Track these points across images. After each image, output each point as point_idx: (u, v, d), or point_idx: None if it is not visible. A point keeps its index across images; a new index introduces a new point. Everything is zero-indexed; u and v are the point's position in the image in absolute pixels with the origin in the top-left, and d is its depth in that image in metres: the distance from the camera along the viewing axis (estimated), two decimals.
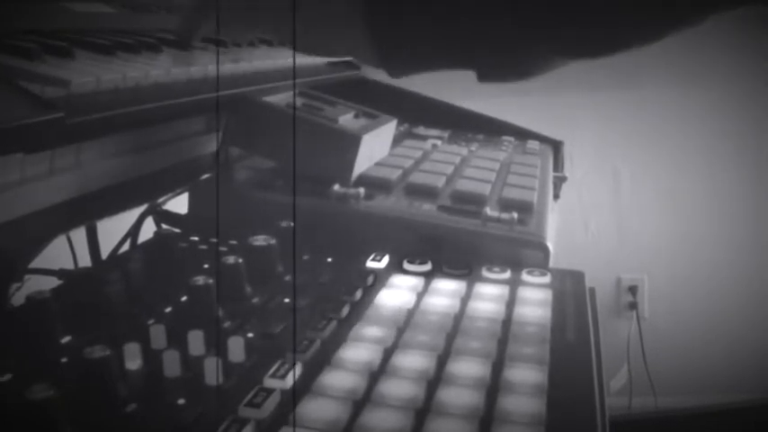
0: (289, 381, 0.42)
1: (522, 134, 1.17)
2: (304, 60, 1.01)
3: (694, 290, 2.24)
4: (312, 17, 0.57)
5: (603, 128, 2.20)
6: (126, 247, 0.75)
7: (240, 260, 0.54)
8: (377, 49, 0.54)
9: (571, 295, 0.60)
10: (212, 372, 0.42)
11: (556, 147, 1.17)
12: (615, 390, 2.16)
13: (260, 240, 0.58)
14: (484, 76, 0.57)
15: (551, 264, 0.66)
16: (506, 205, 0.73)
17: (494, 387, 0.44)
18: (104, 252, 0.75)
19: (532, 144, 1.11)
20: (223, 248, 0.62)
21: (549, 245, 0.66)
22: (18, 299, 0.54)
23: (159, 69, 0.62)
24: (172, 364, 0.42)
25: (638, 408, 2.16)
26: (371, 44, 0.54)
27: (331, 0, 0.56)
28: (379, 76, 1.22)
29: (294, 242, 0.59)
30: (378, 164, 0.82)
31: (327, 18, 0.57)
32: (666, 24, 0.49)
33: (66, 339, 0.45)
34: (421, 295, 0.57)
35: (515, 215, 0.68)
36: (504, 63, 0.55)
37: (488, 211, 0.69)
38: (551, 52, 0.53)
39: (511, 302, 0.57)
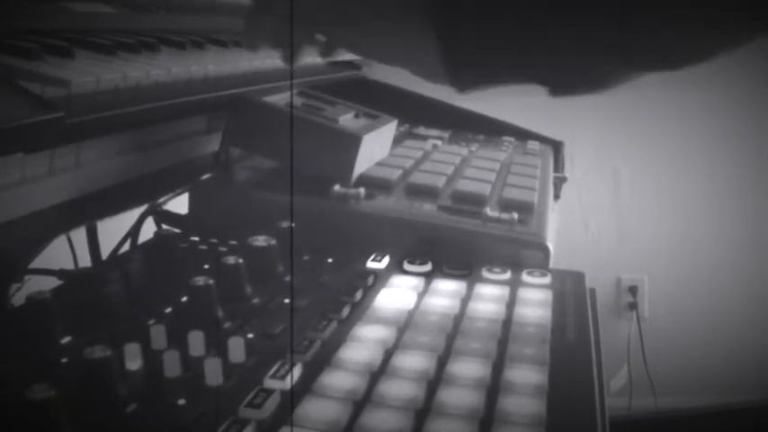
0: (289, 381, 0.42)
1: (523, 134, 1.17)
2: (304, 60, 1.01)
3: (694, 290, 2.24)
4: (376, 25, 0.56)
5: (603, 128, 2.20)
6: (126, 247, 0.75)
7: (240, 260, 0.54)
8: (446, 62, 0.53)
9: (571, 296, 0.60)
10: (212, 372, 0.42)
11: (556, 147, 1.17)
12: (615, 390, 2.16)
13: (260, 241, 0.58)
14: (556, 91, 0.56)
15: (551, 264, 0.66)
16: (506, 205, 0.73)
17: (494, 388, 0.44)
18: (104, 252, 0.75)
19: (533, 144, 1.11)
20: (223, 249, 0.62)
21: (550, 245, 0.66)
22: (18, 299, 0.54)
23: (160, 69, 0.62)
24: (172, 365, 0.42)
25: (638, 408, 2.16)
26: (441, 57, 0.52)
27: (397, 10, 0.55)
28: (379, 75, 1.22)
29: (292, 242, 0.59)
30: (378, 164, 0.82)
31: (390, 26, 0.56)
32: (729, 42, 0.49)
33: (66, 339, 0.45)
34: (421, 296, 0.57)
35: (515, 215, 0.68)
36: (577, 77, 0.55)
37: (488, 211, 0.69)
38: (625, 65, 0.52)
39: (511, 303, 0.57)
